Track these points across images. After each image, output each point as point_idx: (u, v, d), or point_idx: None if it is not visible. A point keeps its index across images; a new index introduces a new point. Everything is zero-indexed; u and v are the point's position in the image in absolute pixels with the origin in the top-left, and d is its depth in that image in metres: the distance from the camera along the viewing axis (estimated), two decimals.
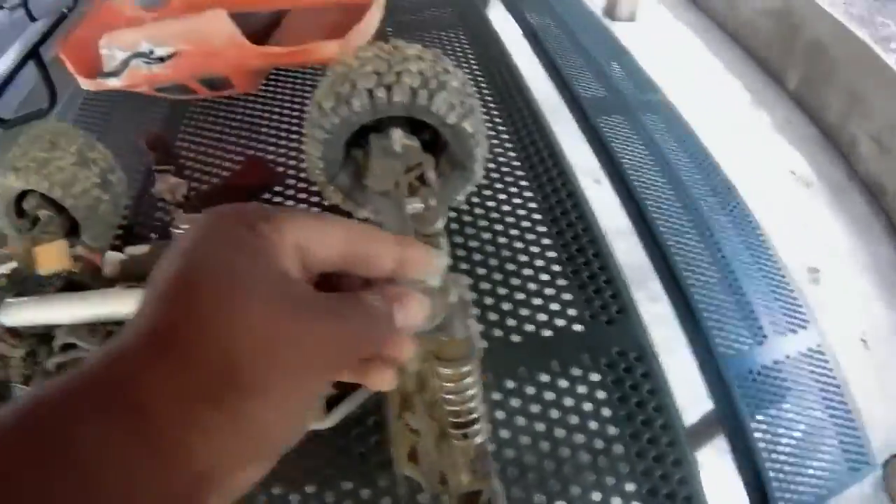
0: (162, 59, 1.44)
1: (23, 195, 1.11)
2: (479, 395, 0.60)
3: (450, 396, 0.59)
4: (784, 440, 1.18)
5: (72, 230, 1.11)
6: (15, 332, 0.85)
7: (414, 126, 0.95)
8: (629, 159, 1.63)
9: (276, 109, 1.56)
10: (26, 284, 0.90)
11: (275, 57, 1.46)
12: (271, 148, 1.42)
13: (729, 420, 1.19)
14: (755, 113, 3.65)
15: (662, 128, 1.79)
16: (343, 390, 0.83)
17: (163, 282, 0.30)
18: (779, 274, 1.45)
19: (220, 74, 1.50)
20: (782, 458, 1.16)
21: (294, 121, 1.51)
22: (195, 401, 0.27)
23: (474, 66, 1.57)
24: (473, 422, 0.60)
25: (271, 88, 1.63)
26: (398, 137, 0.88)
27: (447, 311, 0.47)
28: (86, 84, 1.54)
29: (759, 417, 1.19)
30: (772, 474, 1.12)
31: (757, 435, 1.16)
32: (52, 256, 0.88)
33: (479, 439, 0.61)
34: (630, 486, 0.83)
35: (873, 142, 3.20)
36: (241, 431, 0.28)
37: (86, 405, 0.26)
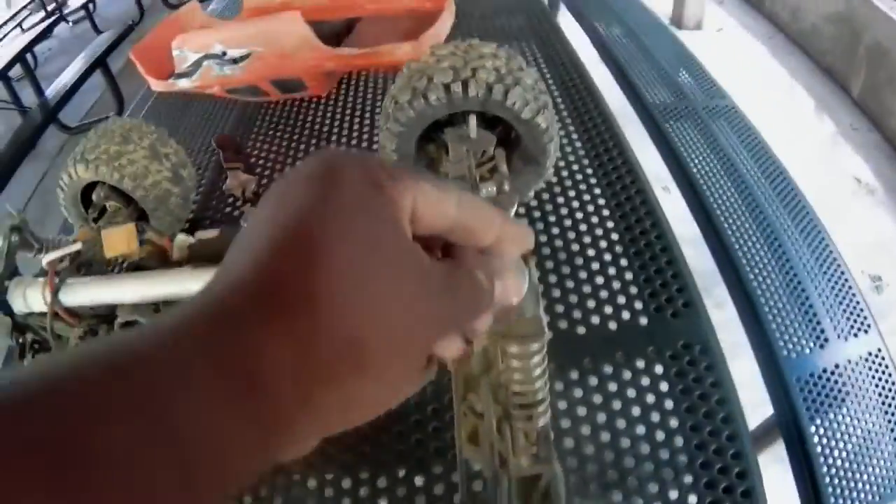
0: (235, 61, 1.45)
1: (91, 186, 1.13)
2: (545, 377, 0.58)
3: (516, 376, 0.57)
4: (841, 445, 1.17)
5: (138, 221, 1.09)
6: (73, 313, 0.85)
7: (488, 123, 0.96)
8: (698, 165, 1.63)
9: (348, 111, 1.57)
10: (92, 269, 0.91)
11: (349, 59, 1.46)
12: (342, 148, 1.42)
13: (787, 423, 1.19)
14: (819, 119, 3.59)
15: (730, 134, 1.78)
16: None
17: (277, 229, 0.26)
18: (842, 277, 1.44)
19: (293, 77, 1.52)
20: (838, 462, 1.15)
21: (366, 122, 1.52)
22: (315, 381, 0.25)
23: (545, 71, 1.58)
24: (538, 403, 0.58)
25: (343, 91, 1.64)
26: (474, 124, 0.90)
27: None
28: (157, 85, 1.56)
29: (817, 421, 1.18)
30: (827, 480, 1.12)
31: (815, 439, 1.16)
32: (121, 240, 0.87)
33: (541, 422, 0.59)
34: (688, 479, 0.83)
35: None
36: (350, 409, 0.28)
37: (192, 366, 0.23)
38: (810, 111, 3.66)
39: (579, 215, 1.16)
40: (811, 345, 1.29)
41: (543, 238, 1.12)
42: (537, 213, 1.17)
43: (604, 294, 1.04)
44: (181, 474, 0.21)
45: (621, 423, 0.89)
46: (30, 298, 0.86)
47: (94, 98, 4.10)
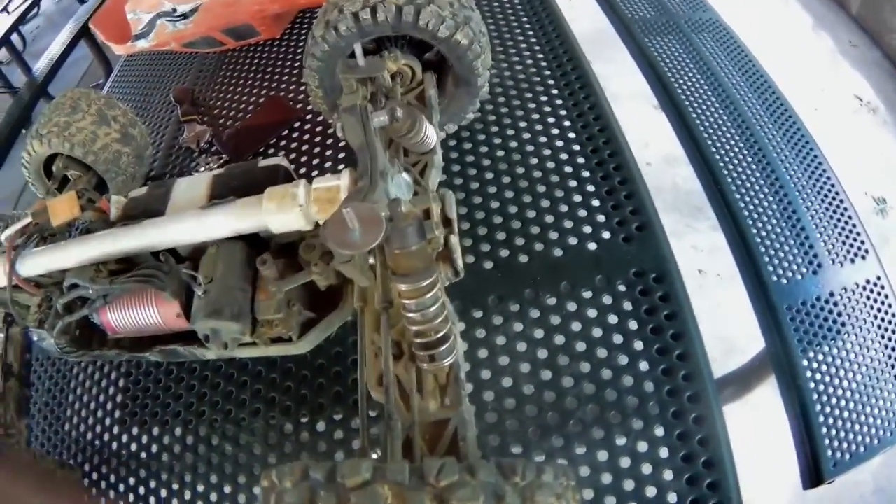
0: (185, 16, 1.54)
1: (52, 159, 1.19)
2: (445, 314, 0.55)
3: (411, 315, 0.54)
4: (836, 382, 1.09)
5: (100, 185, 1.19)
6: (36, 283, 0.90)
7: (418, 48, 0.96)
8: (680, 82, 1.53)
9: (300, 51, 1.55)
10: (55, 238, 0.94)
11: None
12: (302, 88, 1.40)
13: (778, 355, 1.09)
14: (818, 36, 3.48)
15: (715, 48, 1.68)
16: (319, 313, 0.77)
17: None
18: (837, 198, 1.34)
19: (242, 23, 1.58)
20: (833, 401, 1.06)
21: None
22: None
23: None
24: (440, 342, 0.55)
25: (295, 32, 1.64)
26: (359, 51, 0.85)
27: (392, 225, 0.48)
28: (118, 49, 1.69)
29: (810, 354, 1.09)
30: (821, 419, 1.03)
31: (807, 374, 1.07)
32: (63, 207, 0.92)
33: (447, 362, 0.56)
34: (637, 424, 0.76)
35: None
36: None
37: None
38: (807, 28, 3.54)
39: (526, 135, 1.07)
40: (803, 270, 1.19)
41: (487, 162, 1.04)
42: (481, 136, 1.08)
43: (549, 218, 0.94)
44: None
45: (563, 360, 0.81)
46: None
47: (84, 68, 4.13)
